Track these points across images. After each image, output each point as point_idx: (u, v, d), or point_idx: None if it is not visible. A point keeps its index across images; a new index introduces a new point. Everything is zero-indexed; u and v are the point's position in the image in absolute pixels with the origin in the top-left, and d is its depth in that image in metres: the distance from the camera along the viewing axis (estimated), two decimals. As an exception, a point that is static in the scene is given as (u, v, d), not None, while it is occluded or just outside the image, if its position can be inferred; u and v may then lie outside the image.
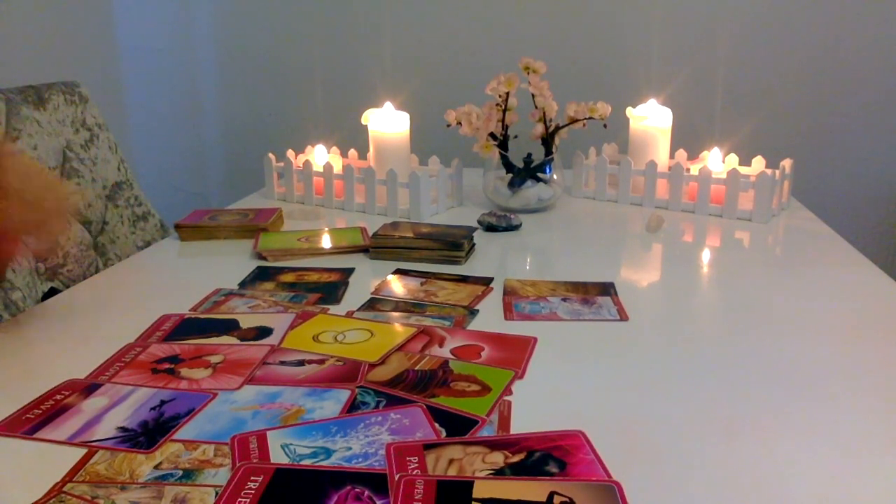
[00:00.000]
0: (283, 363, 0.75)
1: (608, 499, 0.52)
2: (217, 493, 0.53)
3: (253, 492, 0.53)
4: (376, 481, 0.54)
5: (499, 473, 0.55)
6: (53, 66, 1.79)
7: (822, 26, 1.84)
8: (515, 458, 0.57)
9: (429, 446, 0.59)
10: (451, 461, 0.57)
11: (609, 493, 0.53)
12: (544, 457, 0.57)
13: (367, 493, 0.53)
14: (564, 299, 0.93)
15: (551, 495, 0.52)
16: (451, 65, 2.00)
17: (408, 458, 0.57)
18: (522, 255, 1.18)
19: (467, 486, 0.53)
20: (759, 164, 1.39)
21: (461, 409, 0.65)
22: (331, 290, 0.97)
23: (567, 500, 0.52)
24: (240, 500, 0.52)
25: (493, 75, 1.32)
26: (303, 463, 0.57)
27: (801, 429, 0.63)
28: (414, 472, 0.55)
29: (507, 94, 1.33)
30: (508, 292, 0.96)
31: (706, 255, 1.18)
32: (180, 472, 0.56)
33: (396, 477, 0.54)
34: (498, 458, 0.57)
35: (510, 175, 1.38)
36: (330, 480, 0.54)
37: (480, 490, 0.53)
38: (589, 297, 0.94)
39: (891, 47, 1.82)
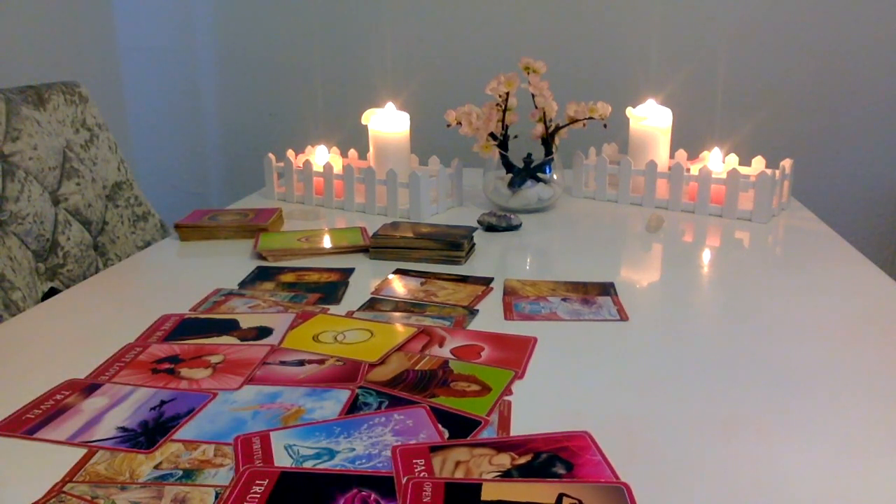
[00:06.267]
0: (283, 363, 0.75)
1: (617, 500, 0.52)
2: (217, 494, 0.53)
3: (258, 496, 0.53)
4: (382, 484, 0.54)
5: (506, 475, 0.55)
6: (53, 66, 1.79)
7: (822, 26, 1.84)
8: (522, 460, 0.57)
9: (435, 448, 0.59)
10: (457, 463, 0.56)
11: (618, 494, 0.53)
12: (551, 458, 0.57)
13: (373, 496, 0.53)
14: (564, 299, 0.93)
15: (560, 497, 0.52)
16: (451, 65, 2.00)
17: (414, 461, 0.57)
18: (522, 255, 1.18)
19: (476, 488, 0.53)
20: (759, 164, 1.39)
21: (462, 410, 0.65)
22: (331, 290, 0.97)
23: (576, 501, 0.52)
24: (245, 503, 0.52)
25: (493, 75, 1.32)
26: (306, 464, 0.57)
27: (802, 428, 0.63)
28: (421, 475, 0.55)
29: (507, 94, 1.33)
30: (508, 292, 0.96)
31: (706, 255, 1.18)
32: (180, 472, 0.56)
33: (404, 480, 0.54)
34: (505, 460, 0.57)
35: (510, 175, 1.37)
36: (336, 484, 0.54)
37: (489, 492, 0.53)
38: (589, 297, 0.94)
39: (891, 48, 1.82)
